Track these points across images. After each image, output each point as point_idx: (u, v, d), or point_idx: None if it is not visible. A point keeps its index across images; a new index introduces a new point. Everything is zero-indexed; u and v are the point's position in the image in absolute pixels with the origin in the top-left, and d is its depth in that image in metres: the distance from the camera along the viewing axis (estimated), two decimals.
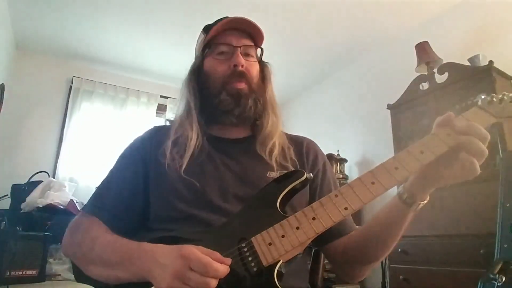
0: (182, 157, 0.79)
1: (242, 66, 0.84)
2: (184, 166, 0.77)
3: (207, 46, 0.89)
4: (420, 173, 0.63)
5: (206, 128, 0.86)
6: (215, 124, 0.88)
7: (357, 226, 0.86)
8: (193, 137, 0.81)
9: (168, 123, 0.94)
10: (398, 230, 0.70)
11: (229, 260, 0.57)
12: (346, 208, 0.60)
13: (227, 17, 0.91)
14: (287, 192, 0.68)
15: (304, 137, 0.97)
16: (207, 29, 0.91)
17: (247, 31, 0.89)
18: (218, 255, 0.57)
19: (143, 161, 0.82)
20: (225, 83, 0.84)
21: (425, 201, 0.66)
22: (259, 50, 0.92)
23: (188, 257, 0.55)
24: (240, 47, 0.85)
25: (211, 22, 0.95)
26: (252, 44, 0.89)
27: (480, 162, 0.59)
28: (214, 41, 0.87)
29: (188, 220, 0.73)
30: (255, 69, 0.89)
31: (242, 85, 0.84)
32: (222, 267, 0.55)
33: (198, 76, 0.90)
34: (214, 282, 0.54)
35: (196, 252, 0.56)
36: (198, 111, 0.86)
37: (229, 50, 0.86)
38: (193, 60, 0.96)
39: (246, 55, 0.87)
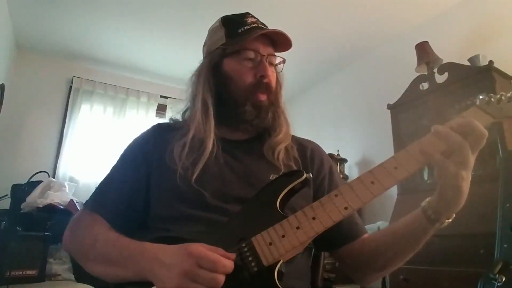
0: (195, 164, 0.77)
1: (269, 77, 0.84)
2: (195, 176, 0.76)
3: (234, 46, 0.85)
4: (440, 189, 0.63)
5: (214, 127, 0.84)
6: (224, 126, 0.86)
7: (367, 230, 0.85)
8: (209, 146, 0.80)
9: (172, 122, 0.93)
10: (417, 244, 0.70)
11: (233, 255, 0.58)
12: (346, 208, 0.60)
13: (248, 13, 0.90)
14: (287, 192, 0.68)
15: (309, 141, 0.97)
16: (227, 23, 0.88)
17: (271, 38, 0.88)
18: (222, 251, 0.57)
19: (145, 159, 0.82)
20: (250, 94, 0.83)
21: (450, 220, 0.66)
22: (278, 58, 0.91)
23: (196, 254, 0.55)
24: (266, 56, 0.85)
25: (211, 22, 0.94)
26: (275, 53, 0.89)
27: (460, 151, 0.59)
28: (241, 43, 0.84)
29: (188, 220, 0.73)
30: (275, 79, 0.89)
31: (264, 97, 0.84)
32: (229, 262, 0.56)
33: (215, 73, 0.87)
34: (223, 278, 0.55)
35: (203, 249, 0.56)
36: (216, 112, 0.85)
37: (256, 57, 0.84)
38: (204, 55, 0.92)
39: (270, 64, 0.86)
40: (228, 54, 0.86)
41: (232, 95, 0.84)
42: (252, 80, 0.83)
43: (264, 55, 0.84)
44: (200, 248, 0.56)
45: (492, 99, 0.66)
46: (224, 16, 0.91)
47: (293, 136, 0.94)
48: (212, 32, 0.92)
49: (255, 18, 0.90)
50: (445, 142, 0.60)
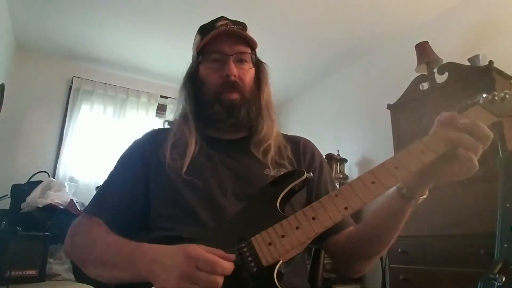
0: (182, 158, 0.80)
1: (235, 75, 0.84)
2: (184, 168, 0.78)
3: (201, 51, 0.88)
4: (420, 169, 0.63)
5: (203, 130, 0.87)
6: (212, 127, 0.89)
7: (353, 222, 0.86)
8: (192, 142, 0.82)
9: (166, 124, 0.95)
10: (397, 224, 0.70)
11: (233, 256, 0.58)
12: (346, 208, 0.60)
13: (222, 17, 0.91)
14: (287, 192, 0.68)
15: (300, 137, 0.98)
16: (202, 30, 0.91)
17: (239, 36, 0.88)
18: (222, 252, 0.57)
19: (143, 162, 0.83)
20: (218, 94, 0.84)
21: (424, 196, 0.66)
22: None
23: (195, 256, 0.55)
24: (232, 55, 0.84)
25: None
26: (246, 50, 0.88)
27: (477, 155, 0.58)
28: (207, 47, 0.86)
29: (188, 219, 0.74)
30: (248, 76, 0.88)
31: (235, 95, 0.84)
32: (228, 264, 0.56)
33: (193, 81, 0.90)
34: (221, 280, 0.55)
35: (202, 251, 0.56)
36: (195, 116, 0.87)
37: (222, 58, 0.85)
38: (191, 62, 0.95)
39: (240, 61, 0.86)
40: (201, 60, 0.88)
41: (204, 98, 0.86)
42: (219, 80, 0.84)
43: (230, 55, 0.84)
44: (200, 250, 0.56)
45: (496, 98, 0.65)
46: (201, 25, 0.93)
47: (284, 134, 0.95)
48: (194, 42, 0.95)
49: (227, 20, 0.90)
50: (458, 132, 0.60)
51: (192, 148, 0.81)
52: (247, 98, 0.86)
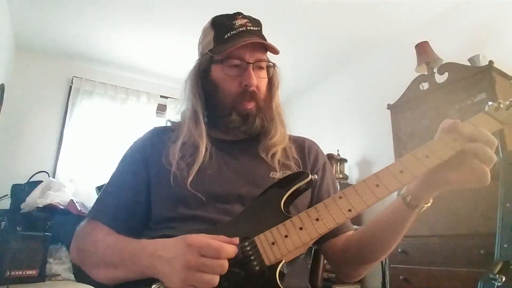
0: (189, 167, 0.77)
1: (254, 86, 0.81)
2: (190, 179, 0.75)
3: (216, 51, 0.83)
4: (426, 176, 0.63)
5: (211, 131, 0.85)
6: (218, 128, 0.87)
7: (353, 226, 0.86)
8: (202, 150, 0.80)
9: (169, 124, 0.94)
10: (400, 231, 0.70)
11: (236, 240, 0.58)
12: (349, 210, 0.60)
13: (239, 13, 0.87)
14: (291, 193, 0.68)
15: (305, 138, 0.97)
16: (217, 26, 0.85)
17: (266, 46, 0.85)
18: (224, 237, 0.58)
19: (144, 163, 0.82)
20: (236, 103, 0.82)
21: (429, 204, 0.66)
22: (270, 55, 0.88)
23: (197, 244, 0.55)
24: (253, 63, 0.82)
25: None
26: (264, 56, 0.85)
27: (489, 168, 0.59)
28: (225, 52, 0.81)
29: (191, 220, 0.74)
30: (264, 84, 0.86)
31: (251, 105, 0.82)
32: (232, 247, 0.56)
33: (204, 79, 0.87)
34: (227, 263, 0.55)
35: (203, 238, 0.56)
36: (204, 118, 0.85)
37: (241, 64, 0.82)
38: (198, 56, 0.91)
39: (258, 68, 0.84)
40: (215, 61, 0.84)
41: (219, 103, 0.84)
42: (237, 89, 0.82)
43: (250, 63, 0.81)
44: (200, 237, 0.57)
45: (501, 105, 0.66)
46: (214, 17, 0.88)
47: (290, 135, 0.94)
48: (203, 33, 0.91)
49: (245, 18, 0.86)
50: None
51: (201, 156, 0.79)
52: (261, 107, 0.84)
